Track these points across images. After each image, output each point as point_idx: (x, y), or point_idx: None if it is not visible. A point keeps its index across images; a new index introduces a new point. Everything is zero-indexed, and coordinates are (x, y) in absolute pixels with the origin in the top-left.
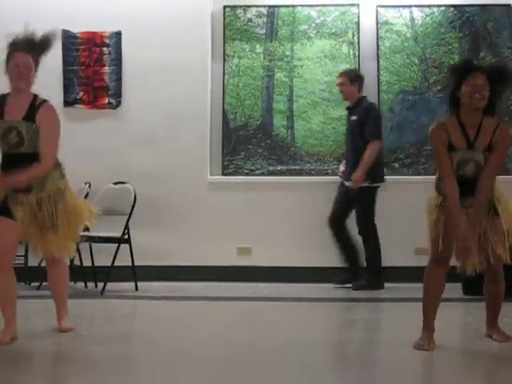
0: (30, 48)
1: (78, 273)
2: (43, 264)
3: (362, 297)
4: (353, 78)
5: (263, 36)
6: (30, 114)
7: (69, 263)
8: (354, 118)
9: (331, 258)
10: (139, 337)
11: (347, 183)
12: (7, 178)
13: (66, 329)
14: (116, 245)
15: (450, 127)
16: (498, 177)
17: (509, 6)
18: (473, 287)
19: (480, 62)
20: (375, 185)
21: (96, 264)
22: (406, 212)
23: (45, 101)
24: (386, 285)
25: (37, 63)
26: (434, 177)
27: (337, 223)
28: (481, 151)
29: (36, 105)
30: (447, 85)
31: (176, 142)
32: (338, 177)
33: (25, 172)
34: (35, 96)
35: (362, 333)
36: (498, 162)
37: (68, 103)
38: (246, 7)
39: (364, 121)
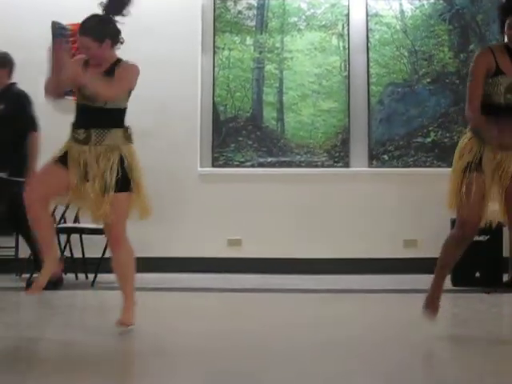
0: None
1: (69, 264)
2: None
3: (354, 288)
4: (1, 62)
5: (253, 28)
6: (111, 70)
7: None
8: (1, 106)
9: (321, 249)
10: (130, 328)
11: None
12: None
13: (124, 323)
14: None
15: (498, 52)
16: None
17: None
18: (461, 278)
19: (469, 55)
20: (15, 179)
21: (86, 255)
22: (396, 204)
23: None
24: (377, 276)
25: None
26: (434, 169)
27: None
28: None
29: (116, 62)
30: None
31: (166, 134)
32: (328, 168)
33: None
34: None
35: (352, 324)
36: None
37: None
38: None
39: (15, 110)
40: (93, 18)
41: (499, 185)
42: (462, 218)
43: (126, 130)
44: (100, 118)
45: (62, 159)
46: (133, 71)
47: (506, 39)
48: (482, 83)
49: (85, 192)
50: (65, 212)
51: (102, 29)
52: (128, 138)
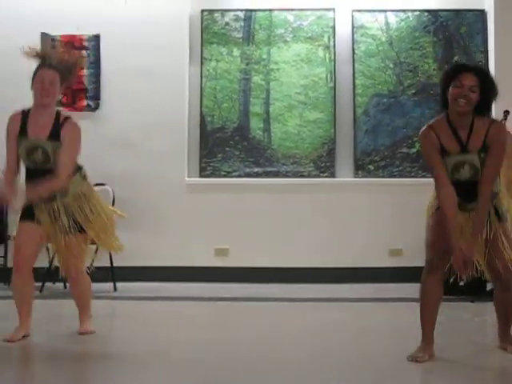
0: (56, 66)
1: (57, 273)
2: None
3: (340, 297)
4: None
5: (240, 39)
6: (55, 133)
7: (48, 264)
8: None
9: (307, 258)
10: (118, 337)
11: None
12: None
13: (87, 331)
14: (95, 246)
15: (440, 130)
16: None
17: (482, 11)
18: (446, 287)
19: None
20: None
21: None
22: (381, 213)
23: (68, 117)
24: (362, 285)
25: (61, 82)
26: (419, 179)
27: None
28: (475, 153)
29: (60, 122)
30: (440, 86)
31: (154, 144)
32: (314, 178)
33: (41, 185)
34: (58, 112)
35: (339, 333)
36: (496, 164)
37: None
38: (224, 11)
39: None
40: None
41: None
42: (431, 248)
43: (81, 170)
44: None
45: (29, 214)
46: (79, 135)
47: (448, 110)
48: (440, 160)
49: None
50: None
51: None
52: (84, 177)
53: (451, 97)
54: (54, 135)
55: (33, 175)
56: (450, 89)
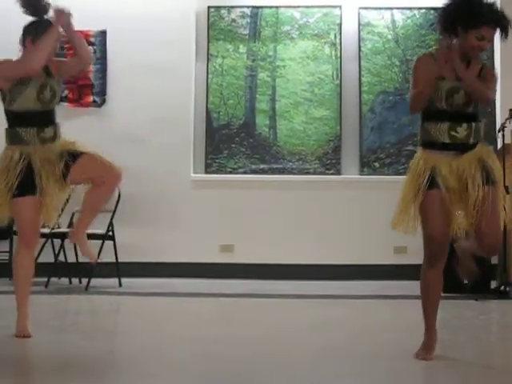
0: None
1: (63, 269)
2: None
3: (345, 294)
4: None
5: (247, 36)
6: (48, 71)
7: (53, 259)
8: None
9: (312, 255)
10: (123, 332)
11: None
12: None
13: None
14: (100, 241)
15: (440, 58)
16: None
17: None
18: (450, 285)
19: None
20: None
21: (80, 260)
22: (386, 211)
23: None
24: (367, 282)
25: None
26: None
27: None
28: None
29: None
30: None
31: (160, 140)
32: (319, 175)
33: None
34: None
35: (343, 330)
36: (492, 82)
37: None
38: (230, 8)
39: None
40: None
41: (467, 194)
42: (427, 235)
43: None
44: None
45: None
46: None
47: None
48: (425, 78)
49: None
50: (59, 217)
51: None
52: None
53: (469, 44)
54: (49, 74)
55: (34, 122)
56: (469, 35)
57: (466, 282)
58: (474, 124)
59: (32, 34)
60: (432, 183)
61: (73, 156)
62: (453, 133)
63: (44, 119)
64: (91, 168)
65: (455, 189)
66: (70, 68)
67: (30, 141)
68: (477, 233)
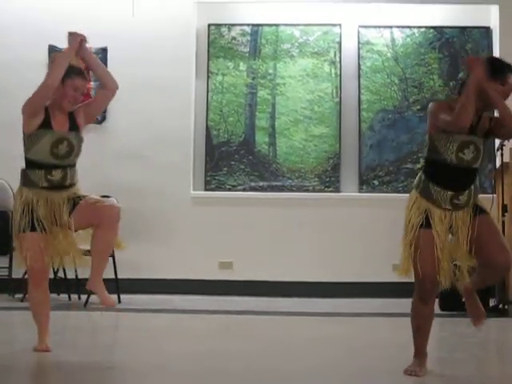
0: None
1: (62, 285)
2: (27, 276)
3: (345, 311)
4: None
5: (247, 54)
6: (73, 122)
7: (52, 276)
8: None
9: (311, 272)
10: (122, 348)
11: None
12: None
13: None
14: None
15: (455, 108)
16: None
17: (487, 28)
18: (449, 303)
19: (459, 83)
20: None
21: (79, 276)
22: (385, 228)
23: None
24: (366, 300)
25: None
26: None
27: None
28: (481, 137)
29: (72, 112)
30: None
31: (160, 157)
32: (319, 193)
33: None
34: None
35: (339, 346)
36: None
37: None
38: (230, 25)
39: None
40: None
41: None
42: (418, 272)
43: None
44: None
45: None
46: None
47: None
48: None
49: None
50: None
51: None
52: None
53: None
54: (73, 125)
55: (43, 166)
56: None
57: (477, 326)
58: (473, 187)
59: None
60: (425, 223)
61: (73, 203)
62: (455, 200)
63: (56, 165)
64: (88, 214)
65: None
66: (99, 103)
67: (38, 183)
68: (486, 257)
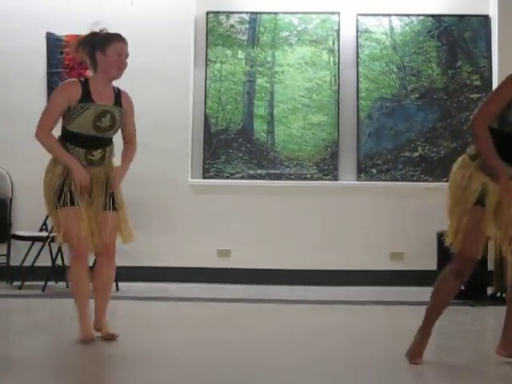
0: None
1: (60, 273)
2: (25, 263)
3: (341, 299)
4: None
5: (245, 42)
6: (118, 100)
7: (51, 263)
8: None
9: (309, 260)
10: (120, 336)
11: None
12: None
13: (109, 336)
14: None
15: None
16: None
17: (486, 16)
18: None
19: (457, 71)
20: None
21: None
22: (383, 217)
23: (121, 90)
24: (363, 288)
25: None
26: (421, 183)
27: None
28: None
29: (118, 91)
30: None
31: (158, 145)
32: (317, 181)
33: (126, 160)
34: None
35: (337, 335)
36: None
37: None
38: (229, 13)
39: None
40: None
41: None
42: (465, 254)
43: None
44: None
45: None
46: (132, 105)
47: None
48: (502, 106)
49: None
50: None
51: None
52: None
53: None
54: (118, 102)
55: (84, 144)
56: None
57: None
58: None
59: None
60: (479, 200)
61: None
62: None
63: (96, 144)
64: (108, 230)
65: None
66: (126, 126)
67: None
68: None
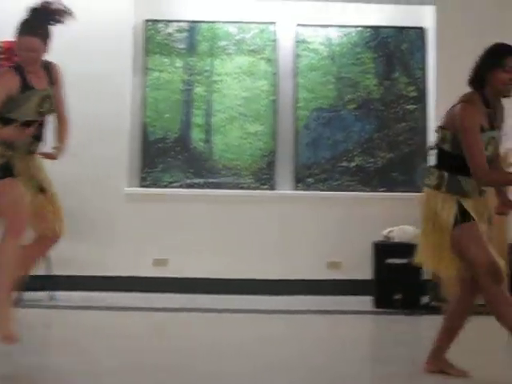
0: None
1: None
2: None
3: (280, 309)
4: None
5: (183, 51)
6: (50, 78)
7: None
8: None
9: (246, 270)
10: (51, 346)
11: None
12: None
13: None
14: None
15: (479, 107)
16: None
17: (422, 28)
18: (382, 300)
19: (393, 82)
20: None
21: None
22: (320, 226)
23: (50, 62)
24: (300, 297)
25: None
26: (358, 193)
27: None
28: (498, 129)
29: (46, 67)
30: (478, 62)
31: (95, 153)
32: (254, 190)
33: (63, 136)
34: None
35: (271, 345)
36: None
37: None
38: (168, 22)
39: None
40: (35, 16)
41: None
42: (482, 260)
43: None
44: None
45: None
46: (61, 73)
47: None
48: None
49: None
50: None
51: (47, 29)
52: None
53: (499, 81)
54: (51, 80)
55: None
56: (496, 71)
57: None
58: None
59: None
60: (461, 218)
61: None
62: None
63: (32, 124)
64: (40, 214)
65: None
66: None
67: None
68: None
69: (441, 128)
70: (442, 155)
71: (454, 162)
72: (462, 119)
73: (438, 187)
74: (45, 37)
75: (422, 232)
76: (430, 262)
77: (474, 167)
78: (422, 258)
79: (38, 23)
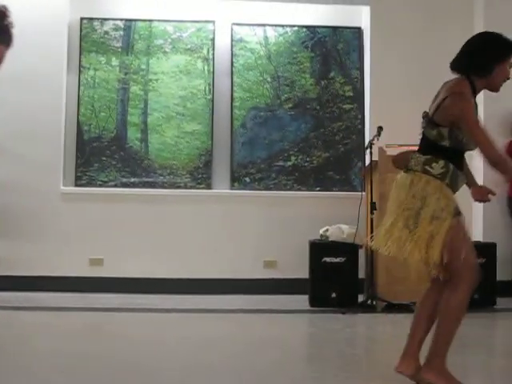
0: None
1: None
2: None
3: (216, 308)
4: None
5: (119, 49)
6: None
7: None
8: None
9: (182, 269)
10: None
11: None
12: None
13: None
14: None
15: (470, 95)
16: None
17: (359, 28)
18: (318, 299)
19: (330, 82)
20: None
21: None
22: (256, 225)
23: None
24: (237, 296)
25: None
26: (295, 192)
27: None
28: None
29: None
30: (481, 50)
31: (29, 152)
32: (190, 190)
33: None
34: None
35: (207, 345)
36: None
37: None
38: (103, 20)
39: None
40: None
41: None
42: (472, 264)
43: None
44: None
45: None
46: None
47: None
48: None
49: None
50: None
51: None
52: None
53: (503, 74)
54: None
55: None
56: (504, 64)
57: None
58: None
59: None
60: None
61: None
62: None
63: None
64: None
65: None
66: None
67: None
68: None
69: (436, 126)
70: (441, 151)
71: (455, 157)
72: (464, 111)
73: (442, 177)
74: None
75: (389, 215)
76: (392, 247)
77: (486, 150)
78: (380, 242)
79: None
